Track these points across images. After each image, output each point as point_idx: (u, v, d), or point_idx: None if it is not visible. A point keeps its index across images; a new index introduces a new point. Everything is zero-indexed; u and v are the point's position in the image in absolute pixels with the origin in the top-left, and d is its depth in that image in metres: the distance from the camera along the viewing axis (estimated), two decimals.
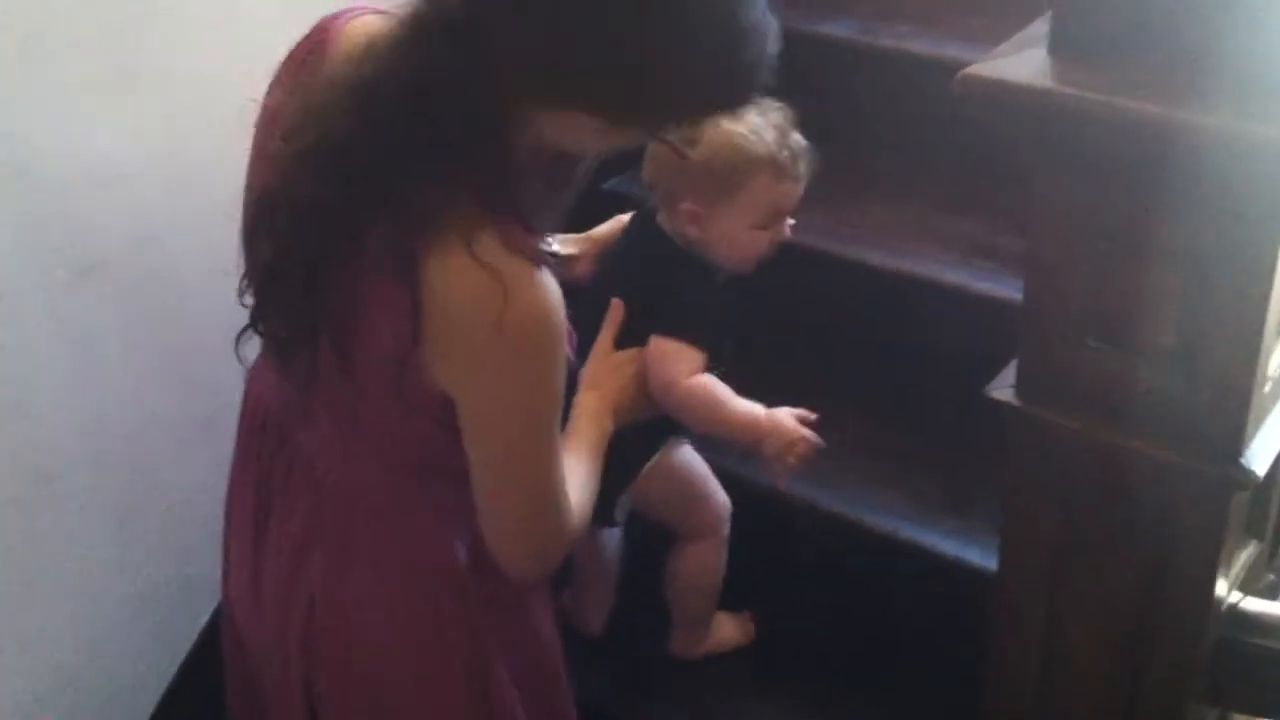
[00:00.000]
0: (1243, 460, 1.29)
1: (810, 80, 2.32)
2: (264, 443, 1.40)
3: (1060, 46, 1.28)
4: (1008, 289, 1.88)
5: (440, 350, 1.17)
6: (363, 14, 1.27)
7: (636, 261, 1.72)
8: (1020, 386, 1.40)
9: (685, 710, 1.94)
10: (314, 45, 1.27)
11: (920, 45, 2.15)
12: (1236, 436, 1.29)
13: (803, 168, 1.67)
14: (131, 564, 1.89)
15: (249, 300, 1.29)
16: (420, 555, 1.37)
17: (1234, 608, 1.45)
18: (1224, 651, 1.44)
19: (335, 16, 1.28)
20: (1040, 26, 1.32)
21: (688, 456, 1.87)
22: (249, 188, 1.31)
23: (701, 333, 1.64)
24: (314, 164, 1.15)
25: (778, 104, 1.63)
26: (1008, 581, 1.53)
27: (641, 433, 1.64)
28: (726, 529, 1.90)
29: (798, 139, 1.66)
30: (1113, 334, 1.32)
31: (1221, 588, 1.40)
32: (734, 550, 1.91)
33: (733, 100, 1.24)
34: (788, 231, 1.72)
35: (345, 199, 1.15)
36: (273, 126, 1.25)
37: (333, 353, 1.21)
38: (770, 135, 1.63)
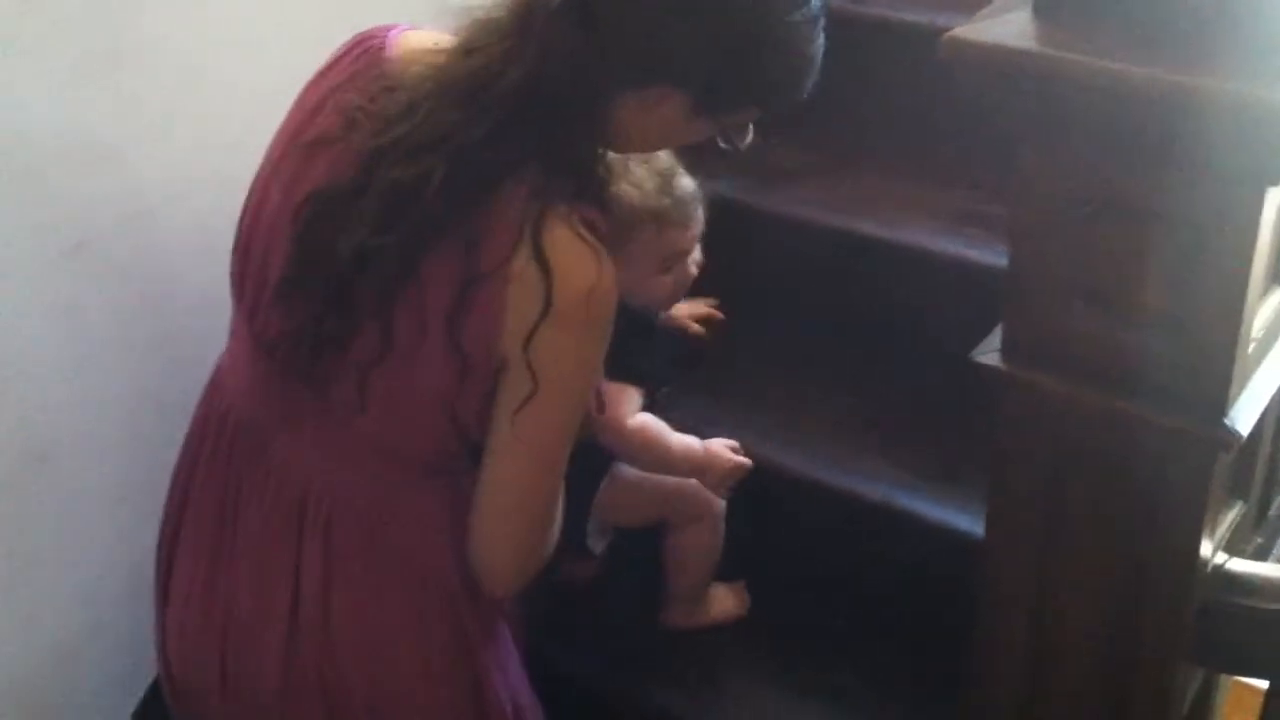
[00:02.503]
0: (1227, 420, 1.29)
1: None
2: (234, 449, 1.40)
3: (1043, 8, 1.28)
4: (997, 256, 1.87)
5: (525, 313, 1.22)
6: (407, 29, 1.35)
7: None
8: (1006, 351, 1.40)
9: (677, 681, 1.94)
10: (361, 56, 1.33)
11: (911, 13, 2.16)
12: (1220, 397, 1.29)
13: (690, 211, 1.71)
14: (128, 542, 1.89)
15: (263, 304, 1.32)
16: (410, 568, 1.38)
17: (1220, 569, 1.46)
18: (1210, 613, 1.44)
19: (371, 36, 1.34)
20: None
21: None
22: (261, 197, 1.34)
23: (640, 372, 1.73)
24: (409, 152, 1.21)
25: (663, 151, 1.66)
26: (996, 547, 1.53)
27: (588, 454, 1.62)
28: (720, 505, 1.90)
29: (683, 183, 1.70)
30: (1097, 297, 1.33)
31: (1207, 549, 1.40)
32: (725, 519, 1.92)
33: (799, 89, 1.35)
34: (693, 270, 1.78)
35: (453, 183, 1.20)
36: (308, 124, 1.31)
37: (377, 333, 1.24)
38: (651, 185, 1.67)
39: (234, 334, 1.42)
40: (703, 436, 1.87)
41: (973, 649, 1.59)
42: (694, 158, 2.22)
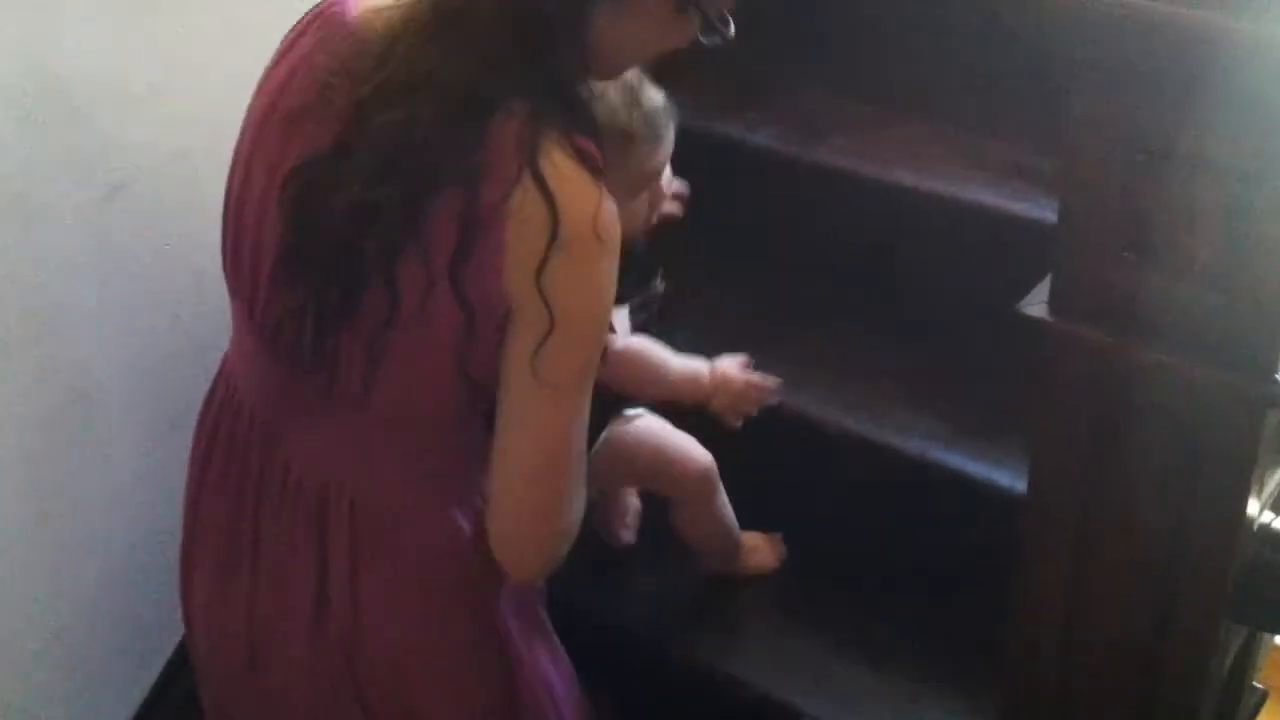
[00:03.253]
0: (1278, 376, 1.27)
1: (843, 8, 2.32)
2: (249, 443, 1.36)
3: None
4: (1044, 210, 1.85)
5: (529, 249, 1.16)
6: None
7: None
8: (1053, 302, 1.38)
9: (713, 633, 1.95)
10: (325, 24, 1.26)
11: None
12: (1270, 353, 1.27)
13: (660, 125, 1.59)
14: (167, 482, 1.90)
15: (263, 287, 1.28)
16: (433, 559, 1.35)
17: (1266, 528, 1.44)
18: (1255, 571, 1.42)
19: (330, 3, 1.28)
20: None
21: (652, 426, 1.82)
22: (244, 179, 1.29)
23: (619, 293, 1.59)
24: (392, 97, 1.16)
25: None
26: (1037, 502, 1.51)
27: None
28: (713, 486, 1.85)
29: (652, 96, 1.58)
30: (1147, 249, 1.30)
31: (1253, 507, 1.38)
32: (762, 471, 1.91)
33: None
34: (668, 191, 1.66)
35: (442, 120, 1.15)
36: (280, 98, 1.25)
37: (382, 295, 1.19)
38: (618, 99, 1.55)
39: (236, 328, 1.38)
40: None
41: (1011, 605, 1.58)
42: (733, 109, 2.22)
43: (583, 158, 1.18)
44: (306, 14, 1.30)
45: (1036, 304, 1.39)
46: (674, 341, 1.75)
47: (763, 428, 1.84)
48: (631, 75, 1.56)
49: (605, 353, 1.34)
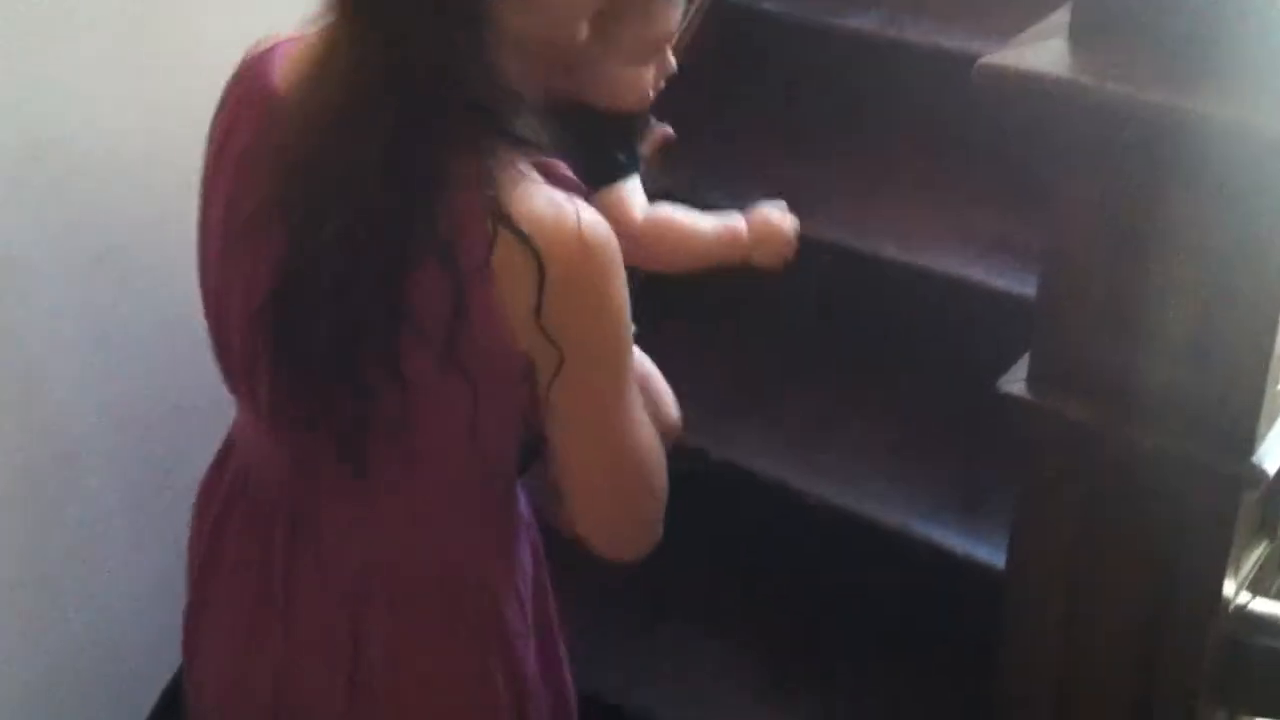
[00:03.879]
0: (1254, 458, 1.28)
1: (834, 72, 2.35)
2: (271, 520, 1.31)
3: (1080, 36, 1.27)
4: (1026, 286, 1.87)
5: (526, 297, 1.11)
6: (289, 41, 1.22)
7: None
8: (1032, 380, 1.39)
9: (664, 689, 1.93)
10: (246, 90, 1.22)
11: (946, 39, 2.15)
12: (1248, 433, 1.28)
13: None
14: (150, 546, 1.90)
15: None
16: (471, 621, 1.31)
17: (1243, 609, 1.44)
18: (1232, 652, 1.42)
19: (254, 62, 1.23)
20: (1061, 17, 1.31)
21: (644, 359, 1.58)
22: (220, 286, 1.23)
23: (622, 167, 1.46)
24: (337, 199, 1.10)
25: None
26: (1019, 578, 1.52)
27: None
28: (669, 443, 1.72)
29: None
30: (1126, 325, 1.31)
31: (1230, 587, 1.38)
32: (742, 543, 1.90)
33: None
34: (673, 63, 1.50)
35: (396, 209, 1.09)
36: (233, 208, 1.19)
37: (395, 395, 1.13)
38: None
39: (242, 415, 1.33)
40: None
41: (995, 679, 1.58)
42: (713, 175, 2.23)
43: (547, 175, 1.13)
44: (239, 66, 1.25)
45: (1016, 381, 1.40)
46: None
47: (739, 494, 1.83)
48: None
49: (629, 232, 1.29)
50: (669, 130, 1.57)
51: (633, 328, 1.21)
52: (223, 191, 1.22)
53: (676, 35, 1.50)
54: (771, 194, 1.54)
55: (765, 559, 2.00)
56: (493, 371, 1.14)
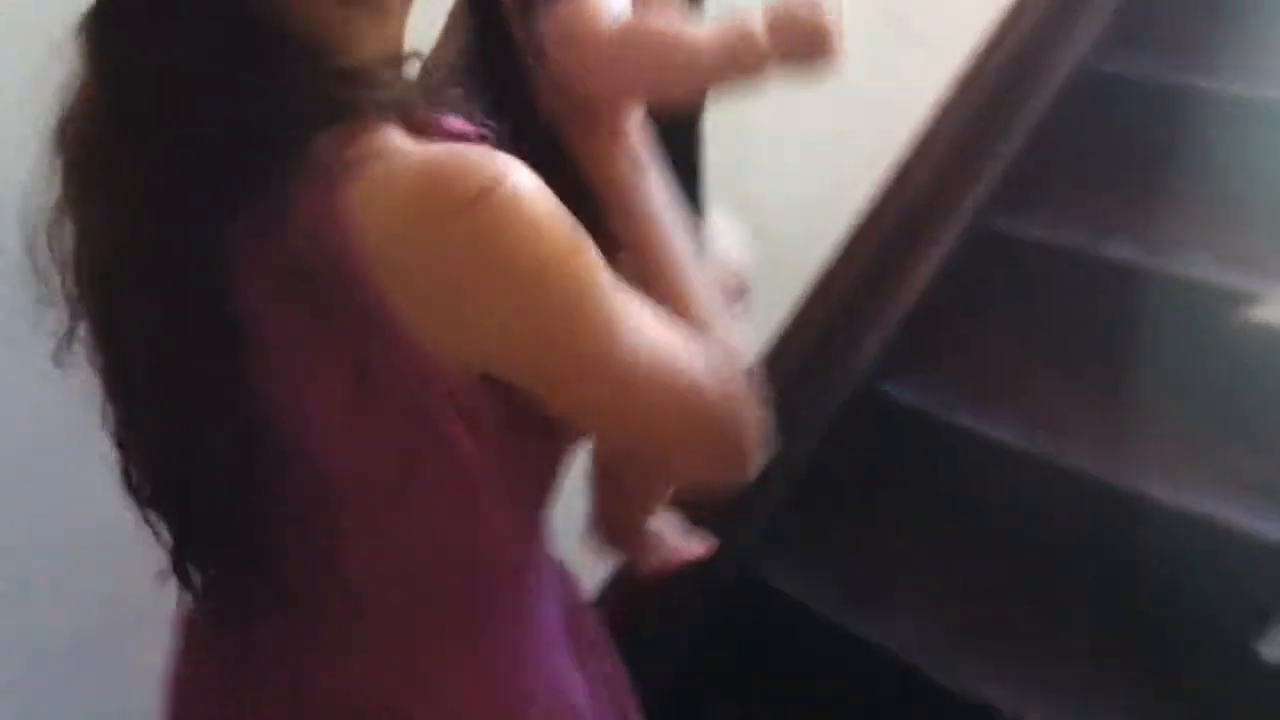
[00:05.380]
0: None
1: (1091, 303, 2.27)
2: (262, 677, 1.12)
3: None
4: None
5: (441, 313, 0.89)
6: None
7: None
8: None
9: None
10: None
11: (1207, 273, 2.07)
12: None
13: None
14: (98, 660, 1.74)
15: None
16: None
17: None
18: None
19: None
20: None
21: None
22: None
23: None
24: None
25: None
26: None
27: None
28: None
29: None
30: None
31: None
32: None
33: None
34: None
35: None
36: None
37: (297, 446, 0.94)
38: None
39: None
40: None
41: None
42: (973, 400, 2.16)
43: (410, 126, 0.92)
44: None
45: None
46: None
47: None
48: None
49: (594, 43, 1.02)
50: None
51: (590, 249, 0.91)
52: None
53: None
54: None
55: None
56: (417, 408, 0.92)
